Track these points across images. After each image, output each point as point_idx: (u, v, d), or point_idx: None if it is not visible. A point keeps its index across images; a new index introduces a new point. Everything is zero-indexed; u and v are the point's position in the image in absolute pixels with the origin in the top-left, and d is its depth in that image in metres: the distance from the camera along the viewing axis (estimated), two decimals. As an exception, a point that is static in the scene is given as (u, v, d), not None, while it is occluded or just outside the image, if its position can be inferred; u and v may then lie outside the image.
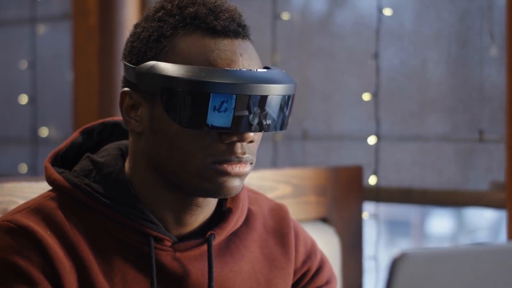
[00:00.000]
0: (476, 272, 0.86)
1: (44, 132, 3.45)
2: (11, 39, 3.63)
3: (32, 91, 3.45)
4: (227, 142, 1.29)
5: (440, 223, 5.20)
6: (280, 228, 1.47)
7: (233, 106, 1.26)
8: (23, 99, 3.47)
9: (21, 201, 1.57)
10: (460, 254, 0.86)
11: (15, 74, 3.54)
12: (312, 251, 1.50)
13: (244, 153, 1.30)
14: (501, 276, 0.87)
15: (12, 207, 1.60)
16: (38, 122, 3.45)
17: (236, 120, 1.26)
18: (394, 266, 0.83)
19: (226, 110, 1.26)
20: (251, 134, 1.29)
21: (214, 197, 1.34)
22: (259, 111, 1.27)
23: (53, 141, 3.42)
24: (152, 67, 1.29)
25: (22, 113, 3.48)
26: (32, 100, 3.45)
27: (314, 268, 1.49)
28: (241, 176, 1.31)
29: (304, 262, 1.48)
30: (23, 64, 3.48)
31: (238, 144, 1.29)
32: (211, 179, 1.30)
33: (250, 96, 1.26)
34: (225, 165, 1.29)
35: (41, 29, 3.47)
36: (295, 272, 1.47)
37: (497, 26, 2.37)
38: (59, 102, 3.41)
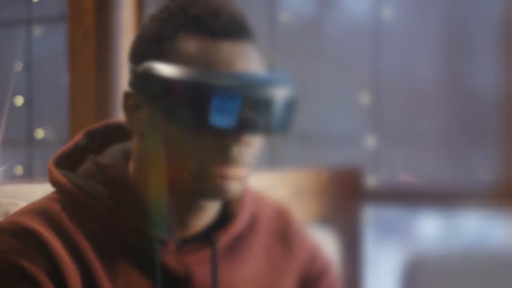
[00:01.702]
0: (490, 276, 0.86)
1: (39, 134, 3.44)
2: (6, 41, 3.61)
3: (28, 93, 3.44)
4: (222, 144, 1.28)
5: (430, 225, 5.20)
6: (285, 231, 1.46)
7: (228, 108, 1.25)
8: (18, 100, 3.46)
9: (22, 204, 1.56)
10: (474, 258, 0.86)
11: (10, 75, 3.53)
12: (316, 254, 1.49)
13: (240, 156, 1.29)
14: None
15: (13, 209, 1.59)
16: (33, 124, 3.44)
17: (229, 121, 1.25)
18: (409, 269, 0.83)
19: (222, 112, 1.25)
20: (247, 136, 1.28)
21: (212, 200, 1.33)
22: (254, 114, 1.26)
23: (49, 143, 3.41)
24: (148, 67, 1.28)
25: (18, 115, 3.47)
26: (27, 102, 3.44)
27: (318, 271, 1.49)
28: (237, 179, 1.30)
29: (309, 265, 1.48)
30: (18, 66, 3.47)
31: (234, 147, 1.28)
32: (207, 181, 1.28)
33: (246, 98, 1.25)
34: (221, 168, 1.28)
35: (37, 30, 3.46)
36: (299, 275, 1.46)
37: (494, 27, 2.37)
38: (55, 104, 3.40)
